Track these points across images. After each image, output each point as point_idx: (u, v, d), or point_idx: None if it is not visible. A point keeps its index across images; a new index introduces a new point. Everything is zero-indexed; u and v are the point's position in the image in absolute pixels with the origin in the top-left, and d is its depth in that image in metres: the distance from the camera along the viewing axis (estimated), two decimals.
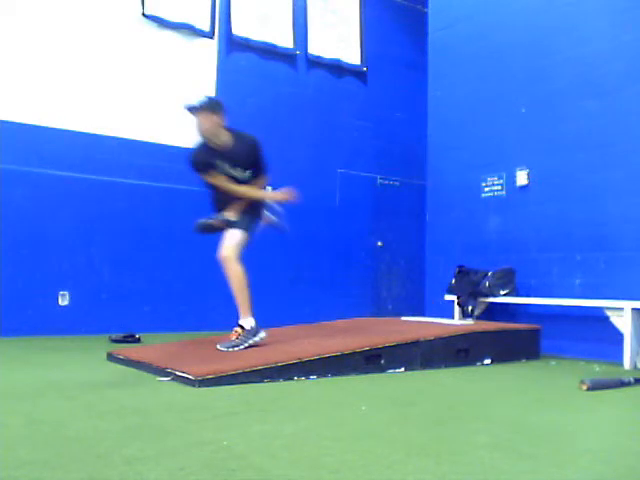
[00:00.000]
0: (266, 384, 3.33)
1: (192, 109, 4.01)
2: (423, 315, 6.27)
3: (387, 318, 6.60)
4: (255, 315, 3.97)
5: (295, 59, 7.55)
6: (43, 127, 5.81)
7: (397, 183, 8.29)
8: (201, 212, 6.70)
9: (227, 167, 4.11)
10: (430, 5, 6.90)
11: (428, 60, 6.82)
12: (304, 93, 7.60)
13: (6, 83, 5.68)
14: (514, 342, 4.74)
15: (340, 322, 5.43)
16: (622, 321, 4.52)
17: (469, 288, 5.61)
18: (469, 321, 5.12)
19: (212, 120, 4.01)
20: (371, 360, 3.85)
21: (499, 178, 5.89)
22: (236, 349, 3.83)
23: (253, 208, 4.27)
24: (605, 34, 5.14)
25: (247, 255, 6.99)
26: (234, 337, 3.92)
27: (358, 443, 2.16)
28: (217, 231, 4.22)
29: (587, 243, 5.13)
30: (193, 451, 1.98)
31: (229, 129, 4.15)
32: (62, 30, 5.98)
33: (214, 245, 6.78)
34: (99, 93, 6.15)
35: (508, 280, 5.52)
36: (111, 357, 4.14)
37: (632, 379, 3.59)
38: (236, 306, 4.00)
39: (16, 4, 5.76)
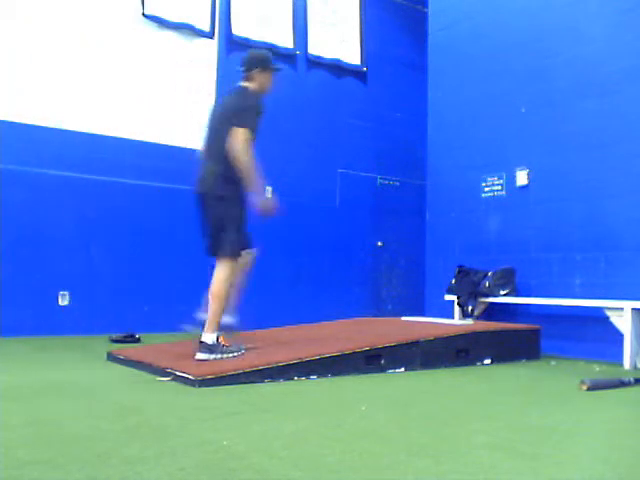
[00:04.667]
0: (266, 384, 3.33)
1: (276, 68, 3.98)
2: (423, 315, 6.27)
3: (387, 318, 6.60)
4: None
5: (295, 59, 7.55)
6: (43, 127, 5.81)
7: (397, 183, 8.29)
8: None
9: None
10: (430, 5, 6.90)
11: (428, 60, 6.82)
12: (304, 93, 7.60)
13: (6, 83, 5.68)
14: (514, 342, 4.74)
15: (340, 322, 5.43)
16: (622, 321, 4.51)
17: (469, 288, 5.60)
18: (469, 321, 5.12)
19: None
20: (371, 360, 3.85)
21: (499, 178, 5.88)
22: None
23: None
24: (605, 34, 5.14)
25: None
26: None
27: (358, 443, 2.16)
28: None
29: (587, 243, 5.13)
30: (193, 451, 1.98)
31: None
32: (62, 30, 5.98)
33: None
34: (99, 93, 6.15)
35: (508, 280, 5.52)
36: (111, 357, 4.14)
37: (632, 379, 3.59)
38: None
39: (16, 4, 5.76)
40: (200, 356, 3.59)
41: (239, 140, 3.61)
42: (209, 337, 3.62)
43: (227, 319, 3.88)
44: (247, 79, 3.88)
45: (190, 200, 6.58)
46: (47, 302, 5.77)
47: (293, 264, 7.34)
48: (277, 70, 4.00)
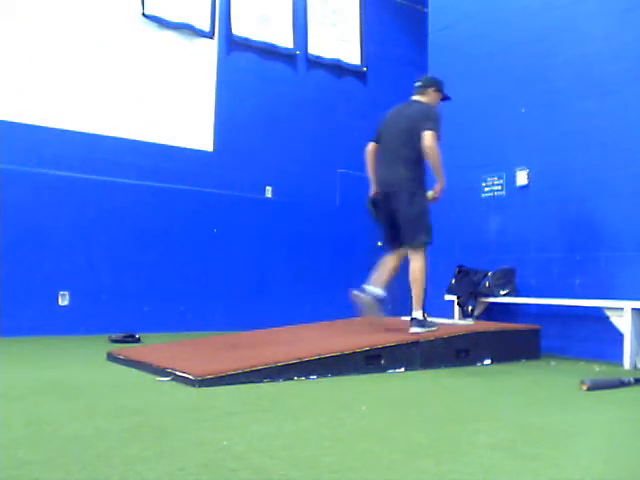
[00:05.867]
0: (266, 384, 3.32)
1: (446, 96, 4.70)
2: None
3: (387, 318, 6.59)
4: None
5: (295, 59, 7.55)
6: (43, 127, 5.82)
7: None
8: (201, 212, 6.72)
9: None
10: (430, 5, 6.90)
11: (428, 60, 6.81)
12: (304, 93, 7.60)
13: (6, 83, 5.68)
14: (514, 342, 4.74)
15: (340, 322, 5.43)
16: (622, 321, 4.51)
17: (469, 288, 5.60)
18: (469, 321, 5.12)
19: None
20: (371, 360, 3.85)
21: (499, 178, 5.88)
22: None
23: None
24: (605, 34, 5.14)
25: (248, 256, 6.99)
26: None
27: (358, 443, 2.16)
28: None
29: (587, 243, 5.13)
30: (193, 451, 1.98)
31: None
32: (62, 30, 5.98)
33: (213, 245, 6.79)
34: (99, 93, 6.15)
35: (508, 280, 5.51)
36: (111, 357, 4.14)
37: (632, 379, 3.59)
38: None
39: (16, 4, 5.76)
40: (414, 330, 4.29)
41: (431, 141, 4.28)
42: (419, 314, 4.35)
43: (379, 291, 4.55)
44: (421, 94, 4.59)
45: (190, 200, 6.63)
46: (47, 302, 5.77)
47: (293, 264, 7.35)
48: (447, 98, 4.69)
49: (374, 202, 4.66)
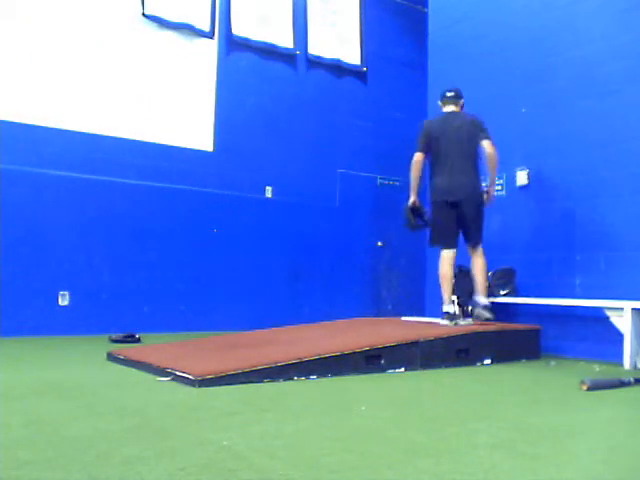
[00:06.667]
0: (266, 384, 3.32)
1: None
2: (423, 315, 6.27)
3: (387, 318, 6.60)
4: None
5: (295, 59, 7.55)
6: (43, 127, 5.82)
7: (397, 183, 8.29)
8: (201, 212, 6.72)
9: None
10: (430, 5, 6.90)
11: (428, 60, 6.82)
12: (304, 93, 7.60)
13: (6, 83, 5.68)
14: (514, 342, 4.74)
15: (340, 322, 5.43)
16: (622, 321, 4.51)
17: (469, 288, 5.59)
18: (469, 321, 5.12)
19: None
20: (371, 360, 3.85)
21: (499, 178, 5.87)
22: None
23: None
24: (605, 34, 5.14)
25: (248, 256, 7.00)
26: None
27: (358, 443, 2.16)
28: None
29: (587, 243, 5.13)
30: (193, 451, 1.98)
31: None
32: (62, 30, 5.98)
33: (213, 245, 6.79)
34: (99, 93, 6.16)
35: (508, 280, 5.51)
36: (111, 357, 4.14)
37: (632, 379, 3.59)
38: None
39: (16, 4, 5.76)
40: (482, 312, 4.82)
41: (493, 147, 4.77)
42: (484, 299, 4.89)
43: (485, 301, 4.95)
44: (455, 104, 5.01)
45: (190, 200, 6.63)
46: (47, 302, 5.77)
47: (293, 264, 7.35)
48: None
49: (413, 210, 4.98)
